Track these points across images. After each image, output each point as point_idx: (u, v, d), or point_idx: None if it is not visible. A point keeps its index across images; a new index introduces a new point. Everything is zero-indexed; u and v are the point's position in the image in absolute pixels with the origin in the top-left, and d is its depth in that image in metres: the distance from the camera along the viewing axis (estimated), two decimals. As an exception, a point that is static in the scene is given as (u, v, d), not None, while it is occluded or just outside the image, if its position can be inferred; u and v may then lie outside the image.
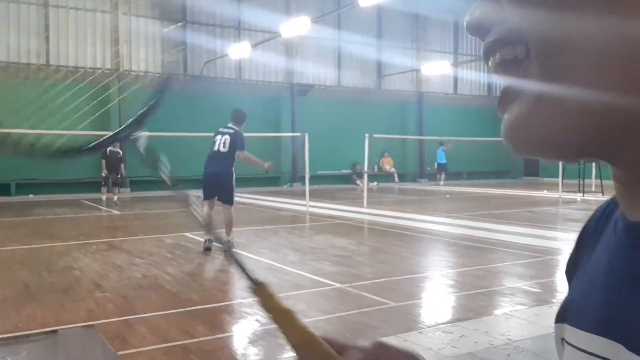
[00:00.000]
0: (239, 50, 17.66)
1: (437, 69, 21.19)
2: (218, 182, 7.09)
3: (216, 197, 7.10)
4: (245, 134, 7.35)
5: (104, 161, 13.37)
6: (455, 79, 23.66)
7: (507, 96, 0.37)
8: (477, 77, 23.51)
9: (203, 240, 7.16)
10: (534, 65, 0.35)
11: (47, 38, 16.54)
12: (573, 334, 0.42)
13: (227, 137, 7.14)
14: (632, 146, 0.34)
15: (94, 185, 15.75)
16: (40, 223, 10.46)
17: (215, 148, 7.14)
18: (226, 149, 7.10)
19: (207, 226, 6.77)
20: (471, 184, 20.29)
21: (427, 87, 22.82)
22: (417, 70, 21.80)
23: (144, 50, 17.87)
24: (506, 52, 0.37)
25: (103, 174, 13.54)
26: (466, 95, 23.92)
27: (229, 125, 7.32)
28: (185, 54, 18.47)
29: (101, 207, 13.07)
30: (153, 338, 3.73)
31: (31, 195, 15.58)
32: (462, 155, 21.48)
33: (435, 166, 21.37)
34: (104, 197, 13.63)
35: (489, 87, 24.66)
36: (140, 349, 3.53)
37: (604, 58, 0.32)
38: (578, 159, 0.38)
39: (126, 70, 17.40)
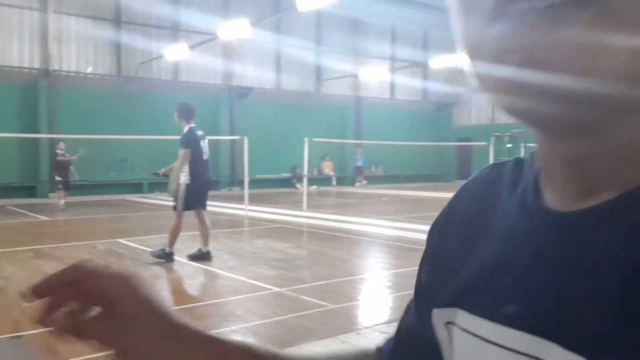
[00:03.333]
0: (175, 52, 17.34)
1: (374, 74, 21.57)
2: (208, 190, 6.80)
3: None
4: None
5: (55, 167, 12.81)
6: (392, 84, 24.17)
7: (555, 11, 0.29)
8: (413, 83, 24.10)
9: (167, 252, 6.45)
10: None
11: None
12: (474, 322, 0.40)
13: (206, 141, 6.70)
14: (626, 129, 0.31)
15: (21, 190, 15.05)
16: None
17: (206, 157, 6.60)
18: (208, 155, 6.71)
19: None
20: (408, 187, 20.76)
21: (365, 92, 23.18)
22: (355, 76, 22.12)
23: (75, 49, 17.25)
24: None
25: (57, 178, 12.94)
26: (403, 100, 24.48)
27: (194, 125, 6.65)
28: (119, 55, 17.98)
29: (28, 213, 12.48)
30: (84, 347, 3.60)
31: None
32: (398, 158, 21.97)
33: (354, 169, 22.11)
34: (62, 202, 12.93)
35: (424, 92, 25.34)
36: (71, 359, 3.41)
37: None
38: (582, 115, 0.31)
39: (56, 69, 16.71)
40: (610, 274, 0.31)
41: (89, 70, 14.50)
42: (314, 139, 13.17)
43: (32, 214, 12.32)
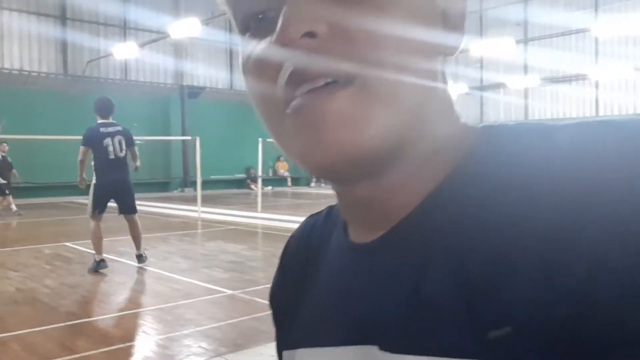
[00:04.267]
0: (124, 50, 16.90)
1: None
2: (121, 192, 6.13)
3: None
4: (134, 137, 6.45)
5: None
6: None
7: (331, 87, 0.37)
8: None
9: (97, 260, 6.04)
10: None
11: None
12: (313, 354, 0.46)
13: (120, 137, 6.07)
14: (405, 164, 0.40)
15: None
16: None
17: (112, 156, 5.99)
18: (124, 153, 6.09)
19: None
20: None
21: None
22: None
23: (18, 47, 16.61)
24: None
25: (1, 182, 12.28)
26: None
27: (112, 121, 6.16)
28: (65, 53, 17.42)
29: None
30: (28, 356, 3.47)
31: None
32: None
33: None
34: (12, 206, 12.30)
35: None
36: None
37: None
38: (365, 172, 0.40)
39: (-1, 67, 16.05)
40: (394, 287, 0.40)
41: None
42: (268, 140, 13.08)
43: (-28, 218, 11.78)
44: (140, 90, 18.54)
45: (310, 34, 0.37)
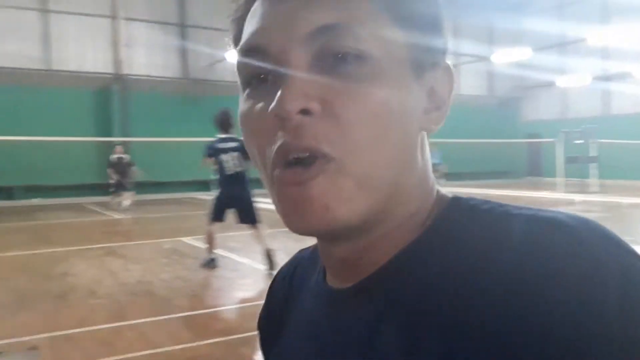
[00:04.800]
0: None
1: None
2: (239, 205, 6.19)
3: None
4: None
5: (111, 169, 13.53)
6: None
7: (311, 171, 0.42)
8: (478, 77, 23.53)
9: (209, 258, 6.37)
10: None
11: (48, 43, 16.71)
12: None
13: (235, 153, 6.02)
14: (378, 229, 0.46)
15: (97, 189, 15.91)
16: (42, 228, 10.61)
17: (230, 172, 6.06)
18: (240, 168, 6.08)
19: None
20: (473, 185, 20.32)
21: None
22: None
23: (144, 54, 18.02)
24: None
25: (112, 180, 13.67)
26: (466, 95, 23.94)
27: (231, 135, 6.10)
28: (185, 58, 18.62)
29: (103, 212, 13.22)
30: (140, 344, 3.84)
31: (34, 200, 15.74)
32: (462, 156, 21.51)
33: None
34: (116, 201, 13.69)
35: (490, 86, 24.68)
36: (126, 355, 3.64)
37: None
38: (349, 233, 0.46)
39: (126, 74, 17.54)
40: (353, 334, 0.46)
41: None
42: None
43: (105, 213, 13.04)
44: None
45: (305, 111, 0.41)
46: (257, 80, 0.45)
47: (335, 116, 0.41)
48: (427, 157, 0.49)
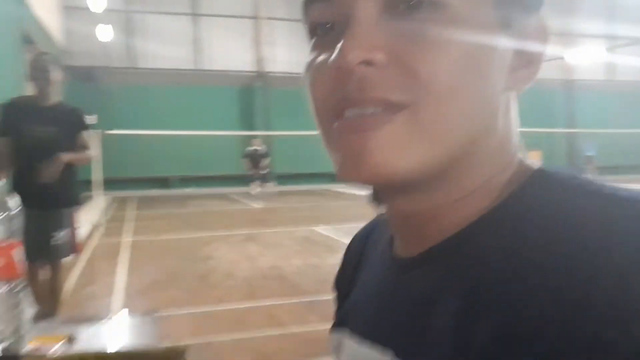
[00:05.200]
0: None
1: (587, 55, 19.54)
2: None
3: None
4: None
5: (247, 159, 14.52)
6: (610, 65, 21.63)
7: (374, 119, 0.39)
8: (636, 62, 21.27)
9: None
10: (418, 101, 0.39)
11: (198, 45, 18.11)
12: (352, 337, 0.51)
13: None
14: (443, 193, 0.42)
15: (241, 180, 16.96)
16: (192, 215, 11.57)
17: None
18: None
19: None
20: (636, 180, 18.49)
21: (576, 75, 21.15)
22: (561, 58, 20.29)
23: (284, 52, 18.78)
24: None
25: (249, 171, 14.67)
26: (623, 81, 21.77)
27: None
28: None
29: (246, 201, 14.08)
30: (269, 324, 4.07)
31: (187, 189, 17.20)
32: (620, 147, 19.63)
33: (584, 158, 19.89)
34: (253, 191, 14.70)
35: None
36: (257, 334, 3.88)
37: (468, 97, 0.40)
38: (407, 190, 0.42)
39: (268, 71, 18.42)
40: (414, 304, 0.43)
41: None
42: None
43: (247, 202, 13.88)
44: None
45: (368, 62, 0.38)
46: (322, 29, 0.42)
47: (405, 65, 0.38)
48: (512, 121, 0.44)
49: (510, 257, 0.37)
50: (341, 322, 0.55)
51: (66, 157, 3.48)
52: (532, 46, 0.43)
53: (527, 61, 0.43)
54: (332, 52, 0.39)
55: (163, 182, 17.30)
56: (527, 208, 0.40)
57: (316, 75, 0.42)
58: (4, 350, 1.06)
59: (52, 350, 1.10)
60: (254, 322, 4.14)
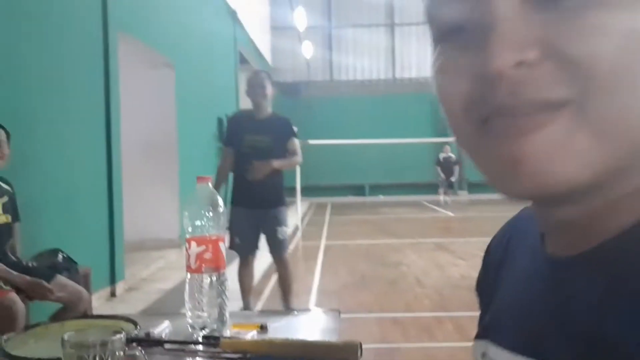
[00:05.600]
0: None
1: None
2: None
3: None
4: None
5: (438, 167, 14.47)
6: None
7: (534, 120, 0.34)
8: None
9: None
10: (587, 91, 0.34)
11: (392, 55, 18.45)
12: (495, 350, 0.47)
13: None
14: (612, 192, 0.37)
15: (432, 188, 16.85)
16: (384, 221, 11.80)
17: None
18: None
19: None
20: None
21: None
22: None
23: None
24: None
25: (439, 178, 14.58)
26: None
27: None
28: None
29: (437, 209, 13.93)
30: (457, 335, 3.97)
31: (380, 196, 17.58)
32: None
33: None
34: (441, 199, 14.59)
35: None
36: (443, 344, 3.82)
37: None
38: (571, 199, 0.38)
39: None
40: (574, 308, 0.38)
41: None
42: None
43: (438, 209, 13.71)
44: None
45: (521, 63, 0.33)
46: (452, 32, 0.38)
47: (563, 56, 0.33)
48: None
49: None
50: (486, 329, 0.51)
51: (276, 163, 3.92)
52: None
53: None
54: (470, 56, 0.35)
55: (357, 189, 17.94)
56: None
57: (452, 82, 0.38)
58: (205, 335, 1.21)
59: (248, 336, 1.23)
60: (442, 333, 4.08)
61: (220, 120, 10.14)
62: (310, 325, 1.43)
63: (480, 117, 0.36)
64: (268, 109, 4.04)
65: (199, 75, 8.73)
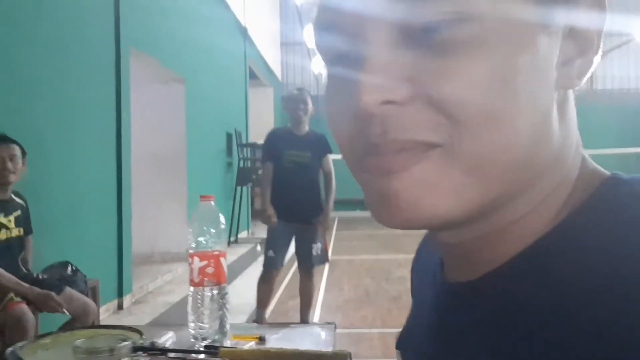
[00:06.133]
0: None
1: None
2: None
3: None
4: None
5: None
6: None
7: (402, 158, 0.34)
8: None
9: None
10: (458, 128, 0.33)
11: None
12: None
13: None
14: (496, 220, 0.37)
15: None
16: (390, 236, 11.79)
17: None
18: None
19: None
20: None
21: None
22: None
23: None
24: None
25: None
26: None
27: None
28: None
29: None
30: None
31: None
32: None
33: None
34: None
35: None
36: None
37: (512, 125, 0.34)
38: (449, 228, 0.38)
39: None
40: (471, 335, 0.38)
41: None
42: None
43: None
44: (607, 99, 17.60)
45: (388, 102, 0.33)
46: (339, 61, 0.37)
47: (432, 99, 0.33)
48: (570, 121, 0.38)
49: (578, 280, 0.32)
50: (401, 342, 0.53)
51: (328, 207, 4.17)
52: (586, 27, 0.36)
53: (582, 47, 0.36)
54: (347, 87, 0.35)
55: (362, 204, 17.90)
56: (597, 222, 0.34)
57: (335, 114, 0.38)
58: (206, 345, 1.29)
59: (246, 346, 1.30)
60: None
61: (229, 136, 10.26)
62: (306, 337, 1.50)
63: (362, 154, 0.36)
64: (307, 125, 4.18)
65: (209, 91, 8.86)
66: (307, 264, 4.19)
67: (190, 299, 1.36)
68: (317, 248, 4.14)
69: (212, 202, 1.41)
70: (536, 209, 0.37)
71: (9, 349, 1.16)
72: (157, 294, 6.11)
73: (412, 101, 0.33)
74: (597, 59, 0.36)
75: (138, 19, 5.90)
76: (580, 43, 0.36)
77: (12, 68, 3.80)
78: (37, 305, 2.94)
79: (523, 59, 0.33)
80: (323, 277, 7.01)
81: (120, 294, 5.40)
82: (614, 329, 0.29)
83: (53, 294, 2.96)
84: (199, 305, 1.34)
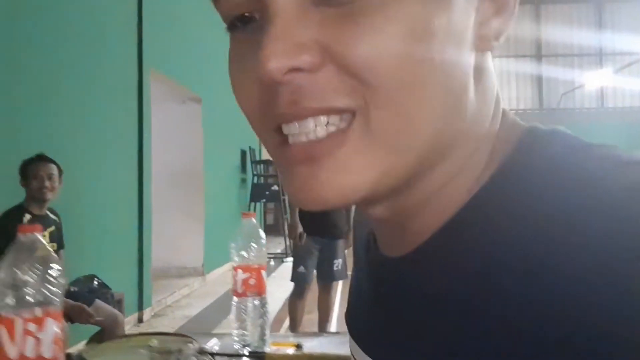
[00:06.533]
0: (598, 78, 16.50)
1: None
2: None
3: None
4: None
5: None
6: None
7: (325, 146, 0.32)
8: None
9: None
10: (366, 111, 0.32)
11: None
12: (355, 348, 0.46)
13: None
14: (419, 190, 0.36)
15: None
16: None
17: None
18: None
19: None
20: None
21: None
22: None
23: (500, 88, 18.33)
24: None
25: None
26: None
27: None
28: (540, 88, 18.26)
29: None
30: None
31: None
32: None
33: None
34: None
35: None
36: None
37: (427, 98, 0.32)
38: (369, 203, 0.37)
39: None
40: (423, 306, 0.36)
41: None
42: None
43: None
44: (618, 116, 17.65)
45: (295, 69, 0.31)
46: (241, 21, 0.34)
47: (343, 62, 0.30)
48: (488, 82, 0.37)
49: (511, 240, 0.31)
50: (348, 325, 0.51)
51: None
52: None
53: (498, 6, 0.35)
54: (252, 53, 0.32)
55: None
56: (520, 183, 0.33)
57: (239, 85, 0.35)
58: (251, 351, 1.41)
59: (287, 352, 1.41)
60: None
61: (243, 152, 10.41)
62: (341, 345, 1.61)
63: (272, 127, 0.34)
64: None
65: (224, 109, 9.02)
66: (328, 279, 4.28)
67: (234, 308, 1.47)
68: (338, 263, 4.22)
69: (254, 219, 1.53)
70: (457, 177, 0.36)
71: (75, 352, 1.29)
72: (175, 307, 6.22)
73: (323, 66, 0.31)
74: (513, 18, 0.35)
75: (158, 42, 6.08)
76: (497, 2, 0.35)
77: (45, 90, 3.97)
78: (70, 317, 3.07)
79: (439, 19, 0.31)
80: (338, 290, 7.07)
81: (140, 307, 5.52)
82: (529, 297, 0.28)
83: (85, 306, 3.08)
84: (243, 313, 1.45)
